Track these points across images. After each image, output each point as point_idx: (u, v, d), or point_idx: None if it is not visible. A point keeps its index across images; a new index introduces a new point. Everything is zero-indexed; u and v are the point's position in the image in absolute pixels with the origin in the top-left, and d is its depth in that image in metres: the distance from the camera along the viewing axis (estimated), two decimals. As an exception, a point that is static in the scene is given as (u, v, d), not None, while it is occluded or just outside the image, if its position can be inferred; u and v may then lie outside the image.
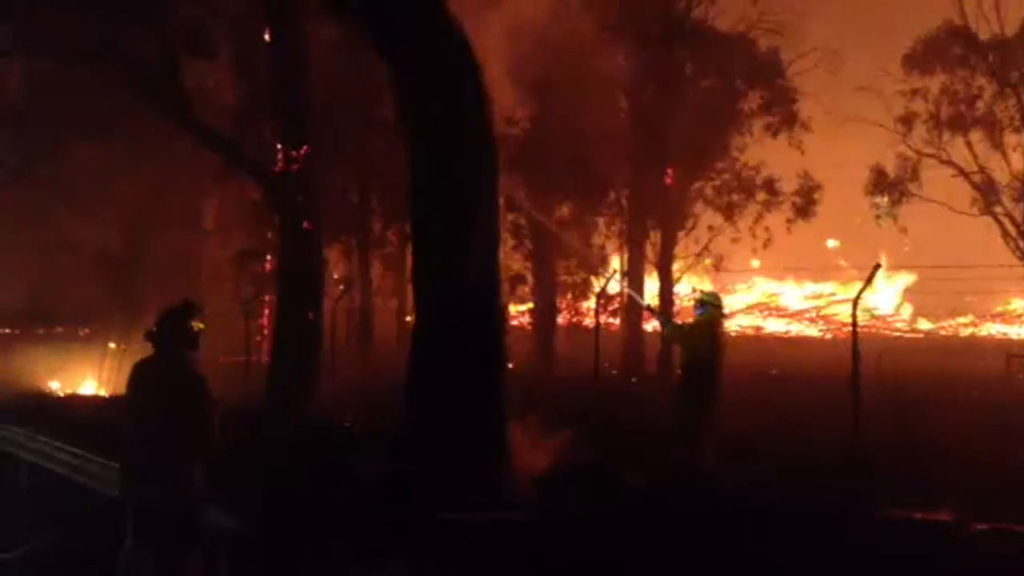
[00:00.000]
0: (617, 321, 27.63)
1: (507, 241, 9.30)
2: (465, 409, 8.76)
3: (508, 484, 8.79)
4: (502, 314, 9.52)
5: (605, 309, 23.44)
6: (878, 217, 27.27)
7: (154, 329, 5.41)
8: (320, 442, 11.03)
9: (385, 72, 10.02)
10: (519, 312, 28.50)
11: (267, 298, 26.04)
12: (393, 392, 9.84)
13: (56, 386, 23.15)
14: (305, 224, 15.85)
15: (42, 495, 8.47)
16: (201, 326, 5.46)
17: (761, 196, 25.18)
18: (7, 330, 28.39)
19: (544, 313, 26.72)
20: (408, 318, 27.50)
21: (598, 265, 25.24)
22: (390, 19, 9.25)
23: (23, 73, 24.33)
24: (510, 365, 9.75)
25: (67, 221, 31.61)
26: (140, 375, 5.38)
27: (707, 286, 24.52)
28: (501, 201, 9.48)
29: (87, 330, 29.29)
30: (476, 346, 8.96)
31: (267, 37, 16.34)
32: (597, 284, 25.02)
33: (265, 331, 25.83)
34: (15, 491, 9.58)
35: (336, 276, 25.90)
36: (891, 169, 27.02)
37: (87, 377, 24.15)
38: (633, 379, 23.18)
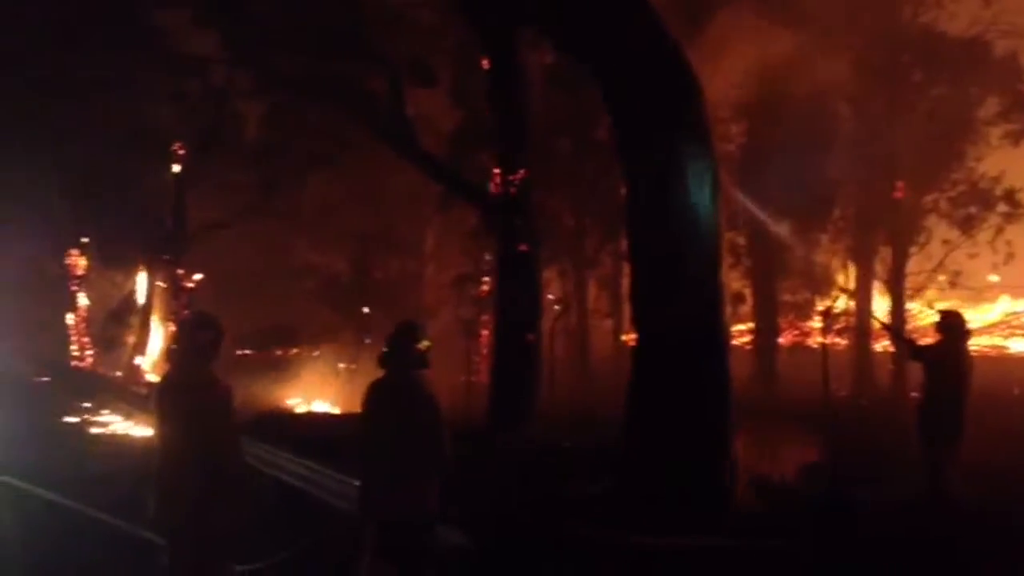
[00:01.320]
0: (843, 341, 26.34)
1: (725, 259, 9.05)
2: (690, 430, 8.54)
3: (735, 508, 8.51)
4: (726, 333, 9.24)
5: (831, 328, 22.42)
6: None
7: (385, 351, 5.56)
8: (542, 461, 11.07)
9: (600, 94, 10.00)
10: (738, 332, 27.73)
11: (484, 318, 26.63)
12: (610, 411, 9.74)
13: (294, 403, 24.54)
14: (522, 247, 16.04)
15: (281, 509, 8.84)
16: (428, 343, 5.58)
17: (1001, 208, 23.43)
18: (248, 351, 30.35)
19: (765, 333, 25.88)
20: (624, 337, 27.36)
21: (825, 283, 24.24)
22: (607, 45, 9.23)
23: (263, 112, 26.04)
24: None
25: (301, 249, 33.83)
26: (374, 395, 5.55)
27: (945, 304, 23.00)
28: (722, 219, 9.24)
29: (319, 351, 30.97)
30: (700, 366, 8.74)
31: (485, 65, 16.68)
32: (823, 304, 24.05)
33: (484, 351, 26.39)
34: (256, 505, 10.09)
35: (552, 297, 26.13)
36: None
37: (321, 395, 25.46)
38: (863, 401, 22.02)
